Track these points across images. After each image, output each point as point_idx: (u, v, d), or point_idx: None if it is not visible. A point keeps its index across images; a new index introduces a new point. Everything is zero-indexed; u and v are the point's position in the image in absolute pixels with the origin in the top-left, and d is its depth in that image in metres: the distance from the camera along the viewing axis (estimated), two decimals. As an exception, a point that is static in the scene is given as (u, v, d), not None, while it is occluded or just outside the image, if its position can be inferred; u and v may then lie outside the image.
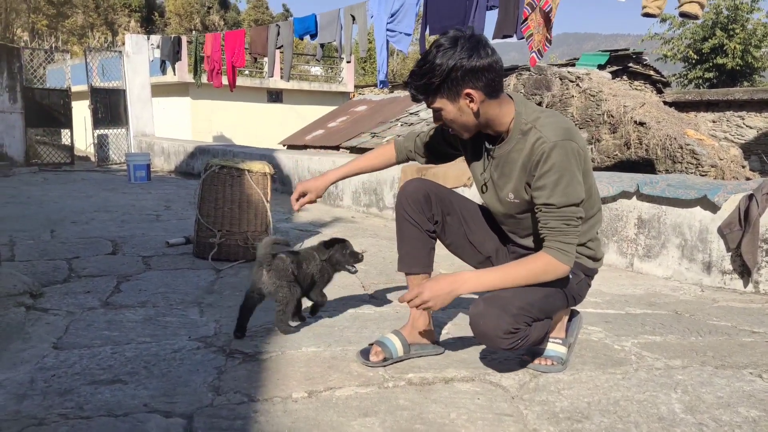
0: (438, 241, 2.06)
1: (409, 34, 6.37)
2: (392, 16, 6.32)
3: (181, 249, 3.82)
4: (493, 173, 1.87)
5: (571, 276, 1.84)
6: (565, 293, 1.86)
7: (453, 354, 2.10)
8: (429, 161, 2.12)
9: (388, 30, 6.42)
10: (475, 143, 1.91)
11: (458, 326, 2.42)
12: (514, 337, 1.72)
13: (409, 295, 1.73)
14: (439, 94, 1.71)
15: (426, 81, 1.69)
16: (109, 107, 11.07)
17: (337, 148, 10.82)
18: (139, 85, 11.15)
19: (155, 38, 11.26)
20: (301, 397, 1.73)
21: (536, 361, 1.98)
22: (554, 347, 1.99)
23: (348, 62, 11.10)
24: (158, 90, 15.21)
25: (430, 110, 1.82)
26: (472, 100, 1.70)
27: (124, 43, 11.51)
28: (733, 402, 1.74)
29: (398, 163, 2.15)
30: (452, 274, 1.74)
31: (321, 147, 11.21)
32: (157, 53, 10.84)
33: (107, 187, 7.47)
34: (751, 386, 1.86)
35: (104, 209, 5.52)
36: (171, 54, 10.26)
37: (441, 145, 2.05)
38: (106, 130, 11.08)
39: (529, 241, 1.93)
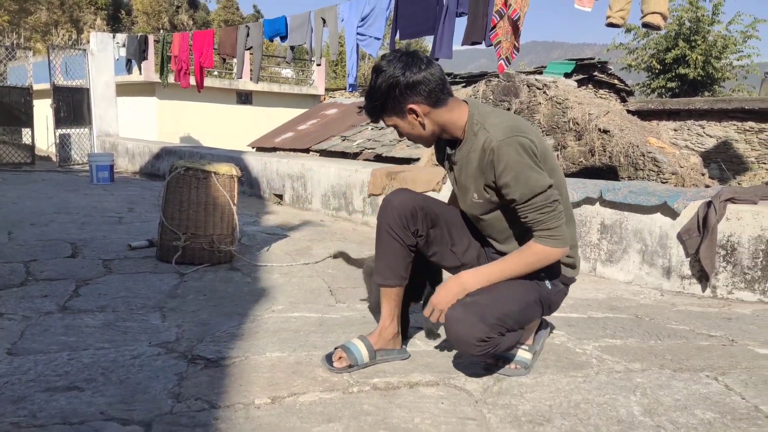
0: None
1: (379, 39, 6.39)
2: (363, 20, 6.33)
3: (144, 252, 3.74)
4: (458, 176, 1.93)
5: (550, 286, 1.91)
6: (542, 303, 1.90)
7: (419, 358, 2.10)
8: None
9: (358, 34, 6.43)
10: (443, 149, 2.00)
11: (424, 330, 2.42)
12: (486, 345, 1.74)
13: (431, 314, 1.85)
14: (387, 114, 1.82)
15: (371, 104, 1.81)
16: (72, 106, 10.79)
17: (307, 150, 10.76)
18: (103, 84, 10.91)
19: (121, 36, 11.03)
20: (263, 403, 1.71)
21: (501, 365, 1.99)
22: (521, 353, 2.01)
23: (318, 65, 11.07)
24: (123, 89, 14.89)
25: None
26: (416, 115, 1.80)
27: (89, 41, 11.25)
28: (690, 404, 1.79)
29: None
30: (453, 278, 1.85)
31: (291, 149, 11.13)
32: (123, 52, 10.62)
33: (68, 188, 7.28)
34: (707, 389, 1.90)
35: (65, 211, 5.38)
36: (137, 53, 10.06)
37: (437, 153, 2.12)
38: (69, 130, 10.80)
39: (509, 247, 1.93)
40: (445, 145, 1.99)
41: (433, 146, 2.01)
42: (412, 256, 1.99)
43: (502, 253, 1.95)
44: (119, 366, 1.94)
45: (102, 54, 10.81)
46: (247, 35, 7.61)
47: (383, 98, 1.78)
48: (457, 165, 1.91)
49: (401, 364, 2.03)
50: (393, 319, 2.02)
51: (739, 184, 7.67)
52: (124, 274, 3.22)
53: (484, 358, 1.84)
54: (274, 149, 11.47)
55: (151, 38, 10.17)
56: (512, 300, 1.79)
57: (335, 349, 2.00)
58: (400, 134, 1.90)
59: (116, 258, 3.58)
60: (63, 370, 1.88)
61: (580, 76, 8.75)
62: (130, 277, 3.15)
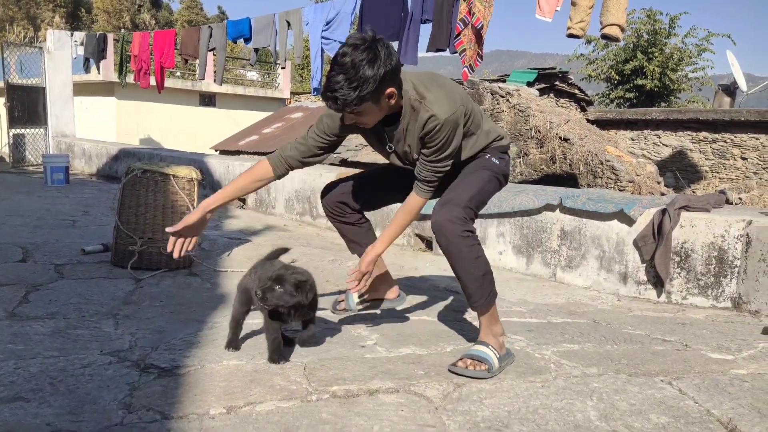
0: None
1: (343, 43, 6.37)
2: (327, 23, 6.30)
3: (99, 257, 3.63)
4: (396, 146, 2.13)
5: (498, 161, 2.21)
6: (496, 177, 2.20)
7: (379, 365, 2.08)
8: (318, 158, 2.21)
9: (323, 38, 6.40)
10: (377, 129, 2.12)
11: (385, 336, 2.41)
12: (470, 239, 2.00)
13: (358, 280, 2.17)
14: (367, 101, 1.84)
15: (359, 93, 1.78)
16: (27, 105, 10.45)
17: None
18: (60, 83, 10.59)
19: (79, 35, 10.74)
20: (218, 413, 1.66)
21: (469, 365, 2.01)
22: (492, 356, 2.04)
23: (283, 68, 10.98)
24: (81, 89, 14.49)
25: None
26: (391, 97, 1.90)
27: (46, 39, 10.92)
28: (645, 409, 1.82)
29: (277, 178, 2.21)
30: (369, 248, 2.18)
31: (255, 153, 11.01)
32: (81, 50, 10.33)
33: (21, 190, 7.02)
34: (661, 393, 1.94)
35: (16, 213, 5.18)
36: (96, 52, 9.80)
37: (332, 137, 2.15)
38: (23, 130, 10.44)
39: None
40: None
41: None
42: (368, 224, 2.45)
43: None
44: (68, 375, 1.87)
45: (59, 52, 10.51)
46: (210, 36, 7.50)
47: (375, 85, 1.79)
48: (395, 136, 2.08)
49: (361, 371, 2.01)
50: (387, 279, 2.50)
51: (693, 192, 7.92)
52: (76, 279, 3.11)
53: (470, 251, 2.01)
54: (238, 152, 11.32)
55: (110, 37, 9.93)
56: (473, 185, 2.11)
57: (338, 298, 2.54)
58: (352, 119, 1.94)
59: (69, 263, 3.46)
60: (8, 380, 1.80)
61: (542, 85, 8.91)
62: (83, 283, 3.04)
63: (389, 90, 1.86)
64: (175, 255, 2.16)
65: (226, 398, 1.75)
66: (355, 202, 2.36)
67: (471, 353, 2.05)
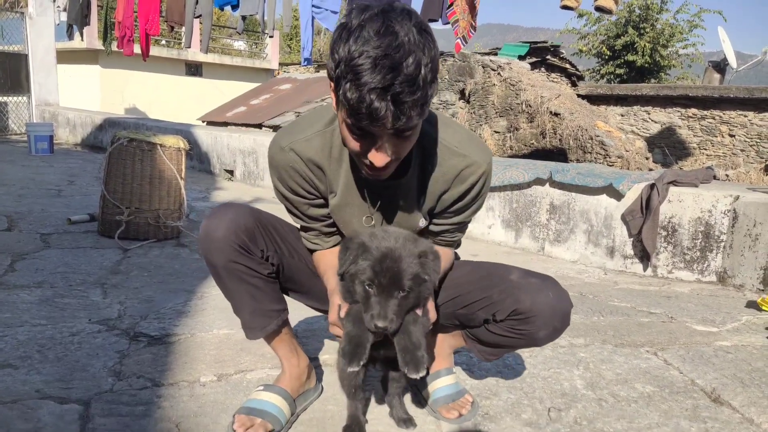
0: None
1: (336, 12, 6.26)
2: (318, -8, 6.17)
3: (85, 227, 3.59)
4: (386, 212, 1.39)
5: None
6: None
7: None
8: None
9: (313, 6, 6.27)
10: (346, 176, 1.35)
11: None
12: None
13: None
14: (424, 111, 1.10)
15: (424, 92, 1.05)
16: (9, 73, 10.19)
17: (259, 126, 10.54)
18: (42, 49, 10.33)
19: (62, 0, 10.45)
20: (209, 380, 1.67)
21: (457, 410, 1.54)
22: (457, 382, 1.63)
23: (271, 37, 10.80)
24: (64, 56, 14.17)
25: None
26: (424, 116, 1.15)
27: (27, 4, 10.61)
28: (630, 378, 1.85)
29: None
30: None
31: (243, 124, 10.88)
32: (64, 16, 10.04)
33: (5, 159, 6.90)
34: (647, 363, 1.97)
35: (0, 182, 5.09)
36: (79, 18, 9.54)
37: (318, 209, 1.43)
38: (6, 98, 10.21)
39: None
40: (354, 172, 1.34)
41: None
42: (277, 284, 1.49)
43: None
44: (57, 343, 1.86)
45: (41, 18, 10.22)
46: (197, 2, 7.33)
47: (427, 88, 1.06)
48: (392, 196, 1.35)
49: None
50: (297, 352, 1.56)
51: (681, 168, 7.98)
52: (63, 248, 3.08)
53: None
54: (225, 124, 11.18)
55: (94, 2, 9.67)
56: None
57: (234, 416, 1.42)
58: (398, 152, 1.16)
59: (55, 232, 3.42)
60: (-5, 348, 1.79)
61: (534, 59, 8.86)
62: (70, 252, 3.01)
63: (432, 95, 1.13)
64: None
65: (216, 366, 1.76)
66: (270, 238, 1.45)
67: (447, 393, 1.58)
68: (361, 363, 1.18)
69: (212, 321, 2.13)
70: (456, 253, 1.59)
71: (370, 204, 1.36)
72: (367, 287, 1.17)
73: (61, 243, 3.19)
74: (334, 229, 1.46)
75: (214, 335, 2.00)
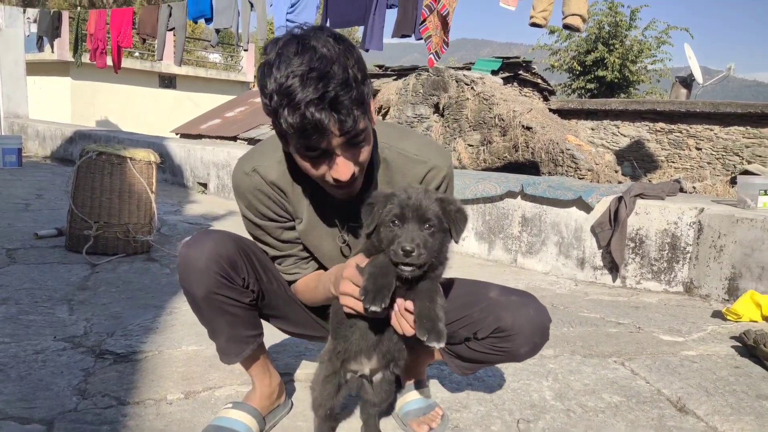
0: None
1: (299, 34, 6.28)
2: (292, 6, 6.21)
3: (52, 242, 3.52)
4: (359, 231, 1.33)
5: None
6: None
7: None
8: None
9: (288, 20, 6.30)
10: (312, 200, 1.35)
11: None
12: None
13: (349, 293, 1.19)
14: (365, 111, 1.13)
15: (359, 90, 1.09)
16: (-24, 84, 10.00)
17: (234, 138, 10.48)
18: (11, 61, 10.16)
19: (32, 11, 10.31)
20: (176, 398, 1.64)
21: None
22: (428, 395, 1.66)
23: (246, 50, 10.78)
24: (34, 68, 13.95)
25: None
26: (370, 117, 1.19)
27: (-5, 15, 10.44)
28: (598, 389, 1.87)
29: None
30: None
31: (217, 137, 10.81)
32: (34, 28, 9.93)
33: (-30, 172, 6.74)
34: (614, 374, 2.00)
35: (-36, 196, 4.98)
36: (50, 30, 9.43)
37: (292, 231, 1.40)
38: (-29, 109, 10.00)
39: None
40: (316, 192, 1.32)
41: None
42: (255, 311, 1.46)
43: None
44: (20, 362, 1.81)
45: (11, 29, 10.07)
46: (170, 15, 7.30)
47: (361, 86, 1.10)
48: (357, 208, 1.24)
49: (323, 355, 2.01)
50: (269, 371, 1.55)
51: (649, 181, 8.15)
52: (29, 264, 3.01)
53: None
54: (199, 136, 11.10)
55: (65, 14, 9.56)
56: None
57: None
58: (359, 165, 1.18)
59: (21, 247, 3.34)
60: (-46, 368, 1.74)
61: (507, 74, 8.99)
62: (36, 268, 2.95)
63: (370, 101, 1.18)
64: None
65: (184, 383, 1.73)
66: (252, 267, 1.41)
67: (418, 407, 1.58)
68: (383, 306, 1.12)
69: (181, 337, 2.10)
70: None
71: (339, 226, 1.37)
72: (393, 224, 1.15)
73: (27, 258, 3.12)
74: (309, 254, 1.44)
75: (182, 351, 1.97)
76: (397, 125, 1.46)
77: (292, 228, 1.38)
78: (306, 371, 1.87)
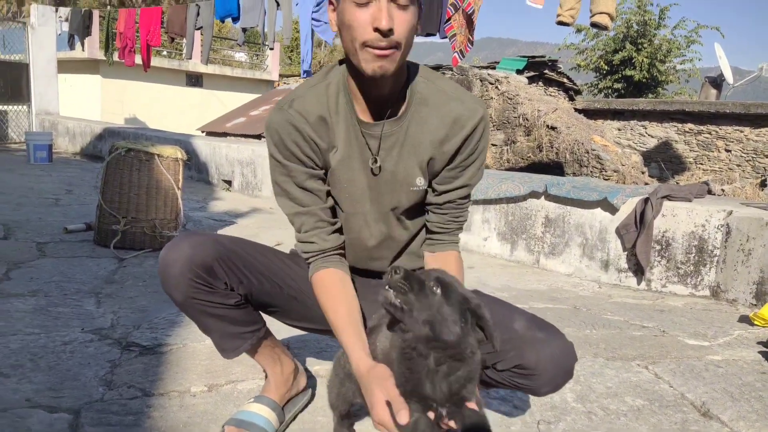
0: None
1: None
2: (318, 5, 6.23)
3: (81, 236, 3.60)
4: (385, 162, 1.32)
5: None
6: None
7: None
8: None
9: (313, 19, 6.33)
10: (346, 125, 1.31)
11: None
12: None
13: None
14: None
15: None
16: (10, 82, 10.25)
17: (258, 137, 10.58)
18: (44, 59, 10.40)
19: (64, 10, 10.53)
20: (200, 391, 1.67)
21: None
22: None
23: (271, 49, 10.87)
24: (66, 66, 14.27)
25: None
26: (418, 22, 1.22)
27: (29, 15, 10.69)
28: (620, 392, 1.85)
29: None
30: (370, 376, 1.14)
31: (242, 135, 10.92)
32: (66, 27, 10.13)
33: (4, 168, 6.92)
34: (637, 377, 1.98)
35: (-3, 191, 5.12)
36: (81, 28, 9.62)
37: (317, 181, 1.35)
38: (6, 107, 10.25)
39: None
40: (348, 121, 1.30)
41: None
42: (248, 306, 1.40)
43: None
44: (49, 352, 1.86)
45: (43, 28, 10.30)
46: (198, 14, 7.39)
47: None
48: (390, 142, 1.30)
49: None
50: (279, 359, 1.54)
51: (677, 183, 8.01)
52: (58, 257, 3.09)
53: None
54: (224, 134, 11.22)
55: (96, 13, 9.76)
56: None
57: (224, 427, 1.43)
58: (397, 34, 1.16)
59: (51, 241, 3.43)
60: (-13, 356, 1.79)
61: (531, 73, 8.92)
62: (65, 261, 3.02)
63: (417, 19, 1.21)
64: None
65: (207, 376, 1.76)
66: (233, 270, 1.35)
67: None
68: None
69: (205, 331, 2.14)
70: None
71: (371, 152, 1.31)
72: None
73: (56, 252, 3.20)
74: (334, 219, 1.36)
75: (205, 345, 2.01)
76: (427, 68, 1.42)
77: (319, 177, 1.33)
78: (327, 367, 1.89)
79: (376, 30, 1.14)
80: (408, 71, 1.29)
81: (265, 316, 1.47)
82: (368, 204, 1.35)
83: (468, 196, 1.39)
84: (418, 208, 1.39)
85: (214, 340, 1.42)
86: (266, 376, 1.54)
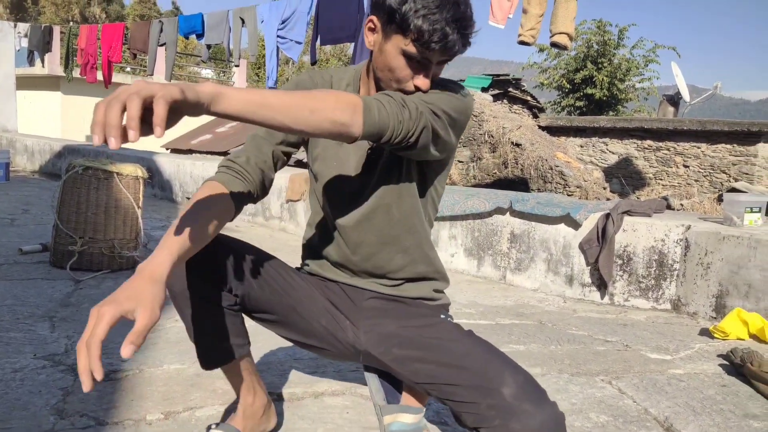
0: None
1: (300, 42, 6.33)
2: (283, 22, 6.24)
3: (37, 257, 3.47)
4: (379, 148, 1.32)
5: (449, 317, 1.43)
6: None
7: (325, 367, 2.06)
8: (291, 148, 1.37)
9: (278, 37, 6.33)
10: None
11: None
12: None
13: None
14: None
15: (468, 33, 1.23)
16: (-35, 98, 9.96)
17: (225, 153, 10.46)
18: (1, 75, 10.14)
19: (23, 26, 10.32)
20: (156, 419, 1.61)
21: None
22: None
23: (237, 66, 10.82)
24: (25, 83, 13.92)
25: None
26: None
27: (-14, 29, 10.43)
28: (585, 408, 1.85)
29: (238, 209, 1.27)
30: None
31: (208, 152, 10.78)
32: (25, 42, 9.93)
33: (-45, 187, 6.68)
34: (602, 392, 1.99)
35: (-52, 211, 4.92)
36: (41, 44, 9.43)
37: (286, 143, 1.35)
38: (-40, 123, 9.94)
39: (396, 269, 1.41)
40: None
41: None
42: (241, 317, 1.38)
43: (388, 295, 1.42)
44: (-3, 381, 1.77)
45: (1, 44, 10.06)
46: (161, 30, 7.32)
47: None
48: None
49: (307, 374, 1.98)
50: (254, 389, 1.48)
51: (638, 198, 8.20)
52: (12, 280, 2.97)
53: None
54: (190, 151, 11.06)
55: (56, 29, 9.58)
56: (488, 355, 1.26)
57: None
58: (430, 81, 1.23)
59: (5, 263, 3.30)
60: (-72, 387, 1.70)
61: (496, 91, 9.06)
62: (19, 284, 2.90)
63: None
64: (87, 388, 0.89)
65: (164, 403, 1.70)
66: (237, 274, 1.32)
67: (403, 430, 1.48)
68: None
69: (163, 356, 2.07)
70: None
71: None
72: None
73: (10, 274, 3.08)
74: (269, 171, 1.33)
75: (163, 371, 1.94)
76: None
77: (295, 143, 1.35)
78: (290, 390, 1.85)
79: (416, 88, 1.24)
80: None
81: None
82: (357, 185, 1.35)
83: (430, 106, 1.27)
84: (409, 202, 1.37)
85: (198, 349, 1.36)
86: (237, 405, 1.47)
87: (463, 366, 1.22)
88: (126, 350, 0.89)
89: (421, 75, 1.22)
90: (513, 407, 1.14)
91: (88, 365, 0.88)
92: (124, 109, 0.85)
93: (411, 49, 1.19)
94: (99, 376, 0.88)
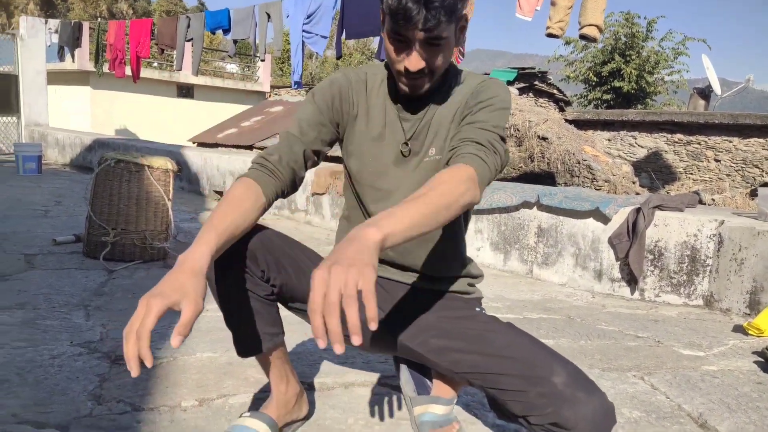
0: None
1: (325, 37, 6.34)
2: (309, 17, 6.26)
3: (70, 248, 3.55)
4: (413, 145, 1.35)
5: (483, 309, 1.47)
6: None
7: (354, 358, 2.07)
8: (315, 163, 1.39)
9: (304, 31, 6.35)
10: (381, 108, 1.37)
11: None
12: None
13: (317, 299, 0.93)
14: (452, 21, 1.20)
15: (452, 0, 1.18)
16: (-1, 93, 10.20)
17: (251, 147, 10.55)
18: (33, 71, 10.34)
19: (54, 22, 10.51)
20: (190, 405, 1.64)
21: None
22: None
23: (263, 61, 10.89)
24: (55, 78, 14.20)
25: None
26: (465, 27, 1.28)
27: (19, 26, 10.66)
28: (617, 403, 1.83)
29: (269, 205, 1.28)
30: (355, 234, 0.97)
31: (234, 146, 10.89)
32: (56, 38, 10.12)
33: (-9, 179, 6.85)
34: (634, 388, 1.97)
35: (-15, 202, 5.05)
36: (71, 40, 9.61)
37: (328, 129, 1.37)
38: (-6, 118, 10.19)
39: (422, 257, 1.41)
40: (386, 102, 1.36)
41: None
42: (276, 306, 1.39)
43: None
44: (36, 366, 1.82)
45: (33, 40, 10.26)
46: (188, 26, 7.40)
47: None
48: (423, 125, 1.35)
49: (337, 365, 2.00)
50: (287, 378, 1.49)
51: (667, 192, 8.05)
52: (47, 269, 3.04)
53: None
54: (216, 145, 11.19)
55: (86, 25, 9.75)
56: (533, 348, 1.23)
57: None
58: (428, 57, 1.21)
59: (39, 253, 3.38)
60: (-28, 372, 1.75)
61: (522, 85, 8.98)
62: (54, 273, 2.97)
63: (464, 11, 1.24)
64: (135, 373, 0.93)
65: (198, 390, 1.73)
66: (273, 263, 1.33)
67: (434, 420, 1.50)
68: None
69: (196, 344, 2.11)
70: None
71: (405, 136, 1.35)
72: None
73: (45, 264, 3.15)
74: (300, 169, 1.32)
75: (196, 359, 1.97)
76: None
77: (327, 142, 1.37)
78: (320, 380, 1.86)
79: (405, 69, 1.23)
80: (448, 68, 1.35)
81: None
82: (393, 181, 1.37)
83: (472, 124, 1.29)
84: None
85: (234, 336, 1.38)
86: (270, 394, 1.48)
87: (508, 356, 1.21)
88: (176, 340, 0.94)
89: (404, 55, 1.23)
90: (565, 395, 1.14)
91: (137, 352, 0.92)
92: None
93: (389, 27, 1.21)
94: (149, 363, 0.93)
